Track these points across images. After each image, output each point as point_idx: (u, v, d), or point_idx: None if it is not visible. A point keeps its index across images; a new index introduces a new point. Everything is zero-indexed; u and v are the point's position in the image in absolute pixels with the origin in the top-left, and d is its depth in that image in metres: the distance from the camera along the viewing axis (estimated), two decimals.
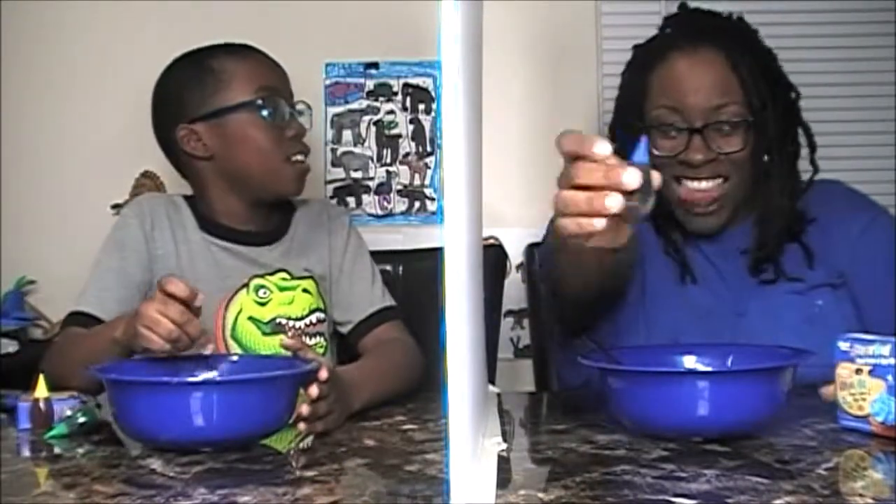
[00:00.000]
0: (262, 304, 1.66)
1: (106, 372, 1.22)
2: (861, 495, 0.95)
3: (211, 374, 1.31)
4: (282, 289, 1.67)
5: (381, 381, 1.48)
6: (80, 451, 1.21)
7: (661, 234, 1.61)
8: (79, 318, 1.58)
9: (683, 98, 1.53)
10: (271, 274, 1.68)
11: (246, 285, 1.66)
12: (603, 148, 1.01)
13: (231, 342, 1.63)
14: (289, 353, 1.37)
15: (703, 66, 1.54)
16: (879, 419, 1.16)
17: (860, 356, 1.19)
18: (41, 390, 1.31)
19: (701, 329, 1.52)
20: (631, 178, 0.99)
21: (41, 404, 1.30)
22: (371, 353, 1.64)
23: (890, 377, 1.16)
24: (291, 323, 1.66)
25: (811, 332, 1.44)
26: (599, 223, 1.01)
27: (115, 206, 2.32)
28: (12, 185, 2.33)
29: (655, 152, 1.52)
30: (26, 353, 2.12)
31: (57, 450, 1.22)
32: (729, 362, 1.29)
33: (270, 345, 1.64)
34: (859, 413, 1.18)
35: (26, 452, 1.24)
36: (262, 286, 1.66)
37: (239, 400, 1.17)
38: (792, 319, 1.51)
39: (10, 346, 2.16)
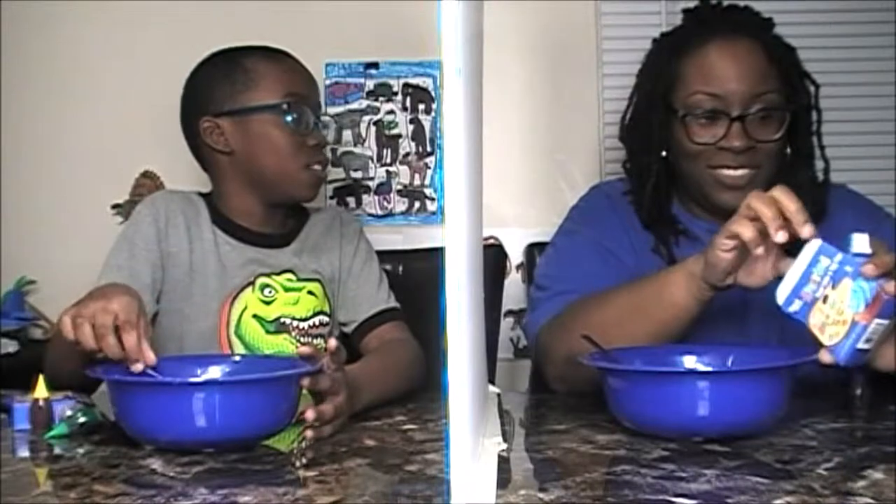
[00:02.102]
0: (267, 303, 1.66)
1: (107, 372, 1.22)
2: (861, 495, 0.95)
3: (213, 375, 1.31)
4: (287, 289, 1.68)
5: (384, 380, 1.48)
6: (80, 451, 1.21)
7: (654, 232, 1.61)
8: None
9: (725, 84, 1.53)
10: (277, 274, 1.68)
11: (252, 283, 1.66)
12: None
13: (235, 339, 1.63)
14: (292, 353, 1.37)
15: (743, 55, 1.54)
16: (861, 309, 1.17)
17: (816, 286, 1.21)
18: (41, 390, 1.31)
19: (701, 330, 1.51)
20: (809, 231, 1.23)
21: (41, 404, 1.30)
22: (374, 353, 1.65)
23: (848, 268, 1.19)
24: (296, 323, 1.67)
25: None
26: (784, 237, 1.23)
27: (115, 206, 2.32)
28: (12, 185, 2.33)
29: (694, 139, 1.53)
30: (26, 353, 2.12)
31: (57, 450, 1.22)
32: (729, 362, 1.29)
33: (274, 343, 1.64)
34: (846, 326, 1.18)
35: (26, 452, 1.24)
36: (268, 285, 1.67)
37: (241, 400, 1.17)
38: (796, 322, 1.50)
39: (10, 346, 2.16)
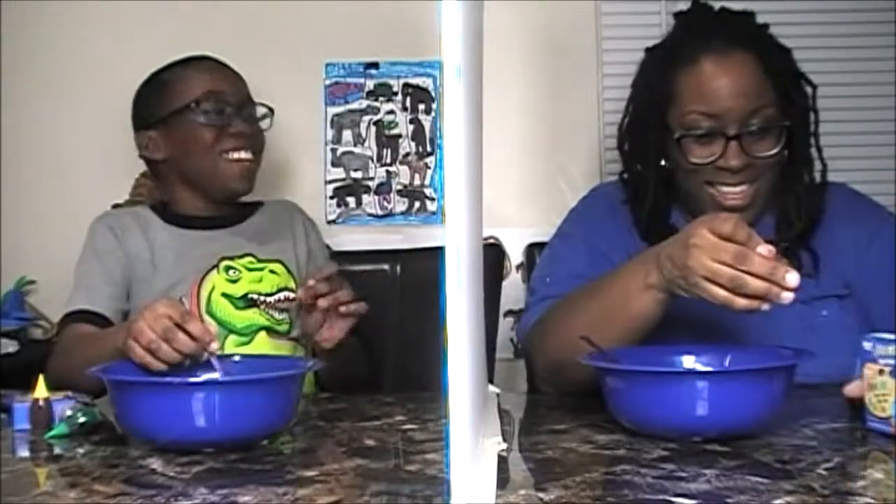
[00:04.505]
0: (234, 282, 1.75)
1: (108, 372, 1.22)
2: (861, 495, 0.95)
3: (213, 375, 1.31)
4: (250, 269, 1.77)
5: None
6: (80, 451, 1.21)
7: (653, 243, 1.59)
8: (75, 318, 1.67)
9: (719, 103, 1.49)
10: (240, 257, 1.77)
11: (216, 266, 1.75)
12: (766, 249, 1.18)
13: (207, 317, 1.70)
14: (285, 354, 1.39)
15: (736, 70, 1.50)
16: None
17: (882, 356, 1.17)
18: (41, 390, 1.31)
19: (700, 333, 1.50)
20: (794, 280, 1.17)
21: (41, 404, 1.30)
22: None
23: None
24: (262, 297, 1.75)
25: (814, 342, 1.40)
26: (767, 307, 1.19)
27: (115, 206, 2.32)
28: (12, 185, 2.33)
29: (691, 159, 1.51)
30: (26, 353, 2.12)
31: (57, 450, 1.22)
32: (727, 362, 1.29)
33: (245, 317, 1.73)
34: (882, 415, 1.16)
35: (26, 452, 1.24)
36: (231, 267, 1.76)
37: (241, 400, 1.17)
38: (795, 329, 1.48)
39: (10, 346, 2.16)
